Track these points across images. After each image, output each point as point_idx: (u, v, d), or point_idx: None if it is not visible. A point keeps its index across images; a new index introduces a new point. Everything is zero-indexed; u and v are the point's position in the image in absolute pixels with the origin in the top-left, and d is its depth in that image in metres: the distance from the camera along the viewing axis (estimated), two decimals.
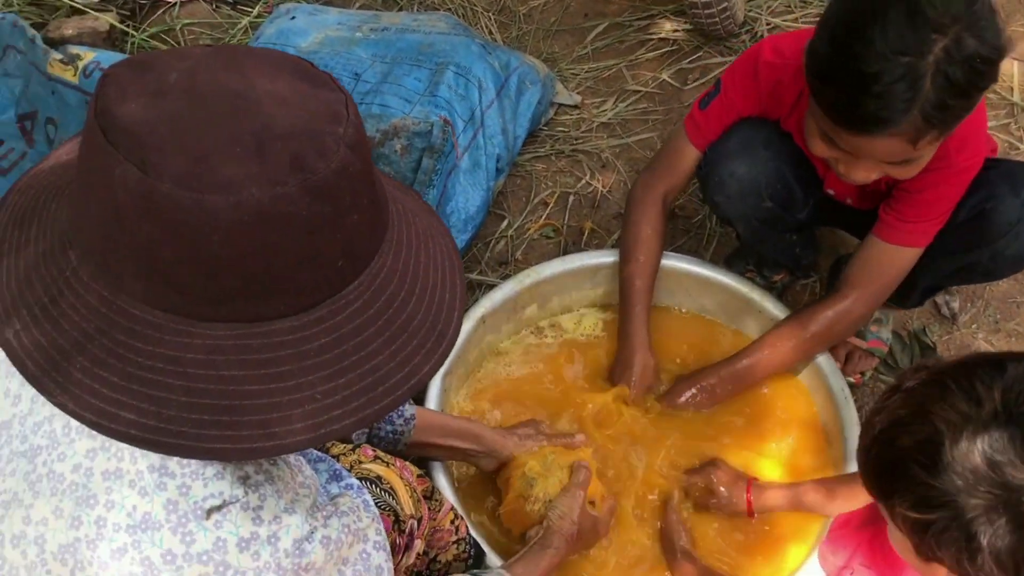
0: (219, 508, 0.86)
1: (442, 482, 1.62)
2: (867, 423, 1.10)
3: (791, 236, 1.90)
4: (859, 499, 1.56)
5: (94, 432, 0.87)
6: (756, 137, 1.70)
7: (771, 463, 1.84)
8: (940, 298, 2.16)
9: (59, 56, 2.35)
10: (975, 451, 0.96)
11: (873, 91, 1.35)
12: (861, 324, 1.88)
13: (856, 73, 1.35)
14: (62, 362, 0.81)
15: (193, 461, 0.87)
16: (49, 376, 0.81)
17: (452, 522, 1.40)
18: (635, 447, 1.83)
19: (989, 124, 2.45)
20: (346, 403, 0.83)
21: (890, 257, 1.69)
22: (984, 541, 0.96)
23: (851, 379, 1.95)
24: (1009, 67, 2.58)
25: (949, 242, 1.67)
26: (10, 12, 2.57)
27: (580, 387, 1.94)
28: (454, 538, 1.42)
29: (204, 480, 0.86)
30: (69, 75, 2.34)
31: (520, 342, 2.01)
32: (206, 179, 0.75)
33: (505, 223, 2.33)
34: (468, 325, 1.90)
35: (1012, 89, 2.56)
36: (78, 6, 2.73)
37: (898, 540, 1.14)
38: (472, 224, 2.20)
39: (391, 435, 1.53)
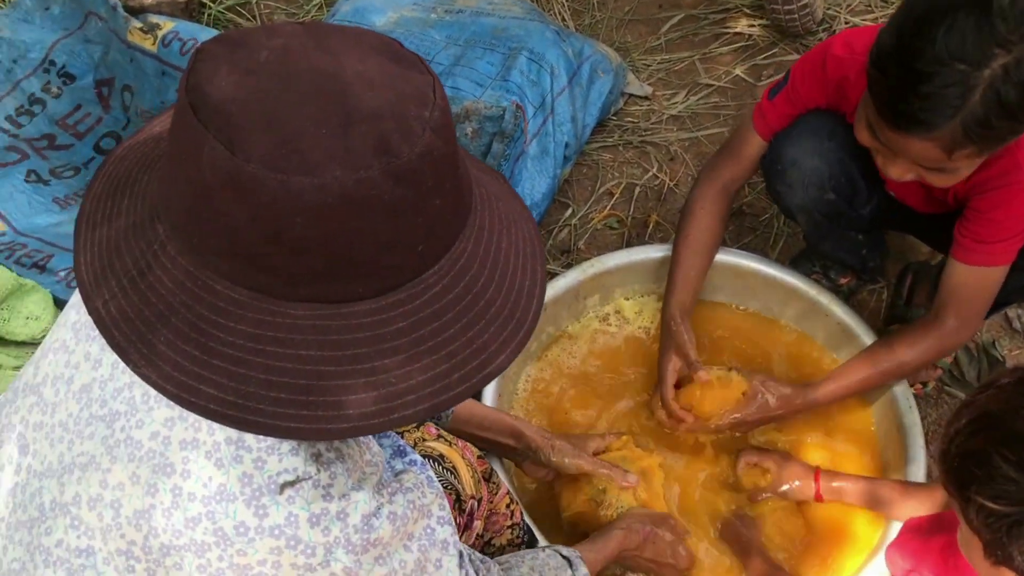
0: (292, 484, 0.87)
1: (497, 465, 1.63)
2: (955, 415, 1.12)
3: (856, 235, 1.86)
4: (932, 503, 1.55)
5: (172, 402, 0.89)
6: (821, 128, 1.68)
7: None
8: (1012, 311, 2.11)
9: (139, 24, 2.39)
10: None
11: (921, 91, 1.32)
12: (962, 345, 1.84)
13: (910, 69, 1.33)
14: (147, 334, 0.82)
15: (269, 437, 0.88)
16: (134, 347, 0.82)
17: (508, 506, 1.41)
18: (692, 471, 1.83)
19: None
20: (420, 388, 0.83)
21: (977, 279, 1.65)
22: None
23: (912, 389, 1.92)
24: None
25: (1018, 257, 1.63)
26: None
27: (638, 384, 1.93)
28: (509, 523, 1.43)
29: (279, 455, 0.88)
30: (148, 44, 2.38)
31: (586, 327, 2.01)
32: (292, 160, 0.75)
33: (569, 211, 2.33)
34: None
35: None
36: None
37: (967, 541, 1.14)
38: (536, 211, 2.20)
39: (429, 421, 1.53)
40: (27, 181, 2.28)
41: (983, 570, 1.14)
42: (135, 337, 0.82)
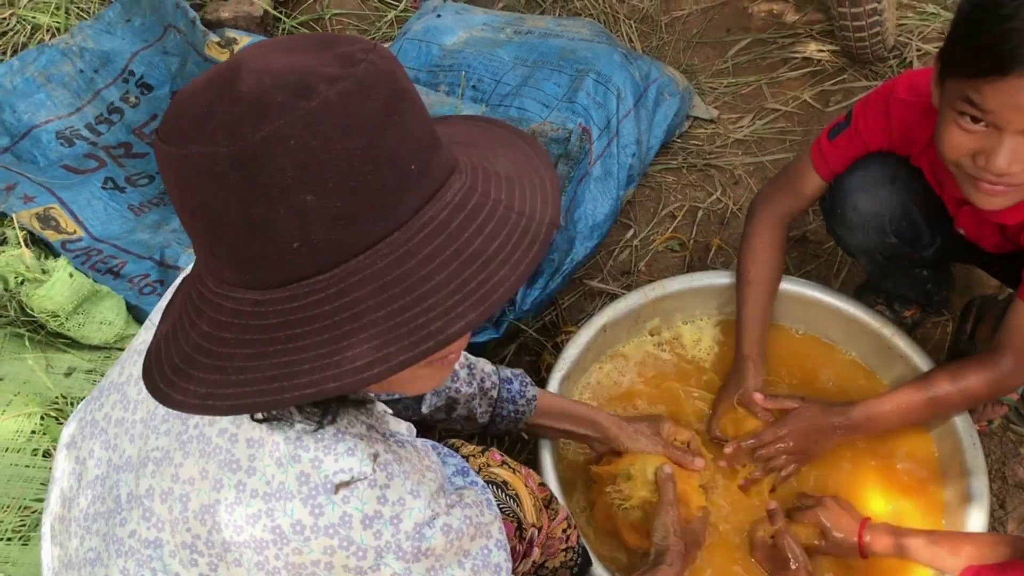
0: (347, 484, 0.89)
1: (547, 461, 1.66)
2: None
3: (920, 271, 1.84)
4: (994, 553, 1.51)
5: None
6: (883, 172, 1.67)
7: (881, 505, 1.79)
8: None
9: (216, 39, 2.46)
10: None
11: (1019, 18, 1.28)
12: (1017, 388, 1.80)
13: (997, 10, 1.29)
14: (163, 356, 0.92)
15: (327, 436, 0.91)
16: (159, 381, 0.92)
17: (564, 531, 1.42)
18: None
19: None
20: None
21: None
22: None
23: (976, 427, 1.88)
24: None
25: None
26: None
27: (692, 407, 1.93)
28: (564, 546, 1.44)
29: (336, 455, 0.90)
30: (224, 57, 2.44)
31: (640, 348, 2.01)
32: (172, 135, 0.84)
33: (631, 233, 2.33)
34: (590, 333, 1.91)
35: None
36: None
37: None
38: (598, 232, 2.21)
39: (513, 414, 1.59)
40: (104, 188, 2.36)
41: None
42: (162, 376, 0.92)
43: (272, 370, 0.84)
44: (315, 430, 0.92)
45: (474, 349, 1.95)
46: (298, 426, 0.92)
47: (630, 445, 1.68)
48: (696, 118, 2.53)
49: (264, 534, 0.90)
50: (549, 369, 1.89)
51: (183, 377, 0.89)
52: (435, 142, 0.90)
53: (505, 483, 1.22)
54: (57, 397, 1.78)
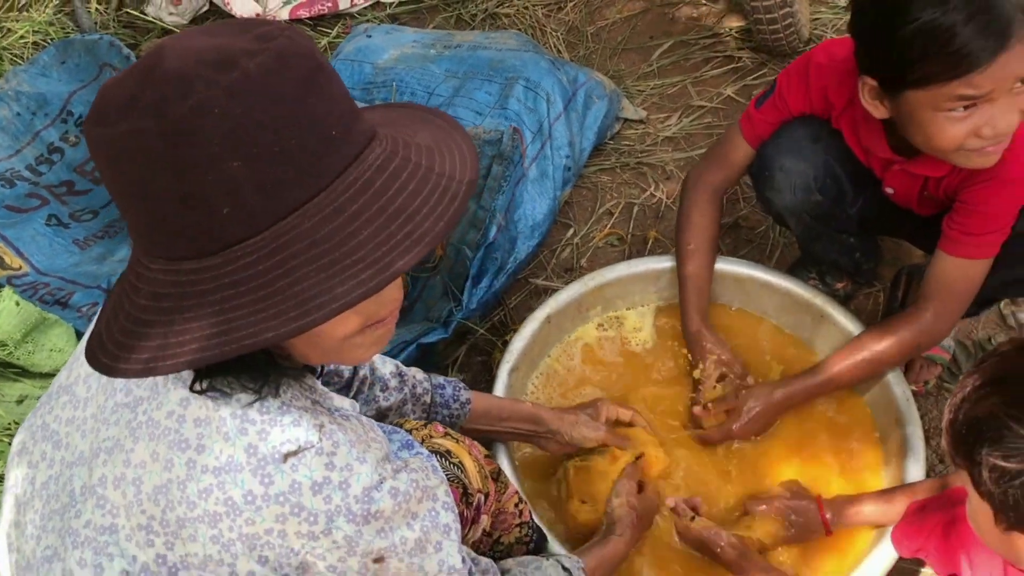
0: (295, 453, 0.93)
1: (505, 464, 1.68)
2: (959, 387, 1.15)
3: (847, 237, 1.92)
4: (930, 493, 1.57)
5: (188, 382, 0.96)
6: (806, 133, 1.75)
7: (829, 476, 1.85)
8: (1006, 309, 2.15)
9: None
10: None
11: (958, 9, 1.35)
12: (941, 339, 1.88)
13: (944, 14, 1.37)
14: (105, 335, 0.96)
15: (272, 409, 0.94)
16: (103, 358, 0.94)
17: (516, 505, 1.45)
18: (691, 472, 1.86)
19: None
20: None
21: (961, 270, 1.70)
22: None
23: (913, 387, 1.96)
24: None
25: (1003, 253, 1.68)
26: (107, 34, 2.74)
27: (641, 390, 1.98)
28: (517, 521, 1.47)
29: (282, 427, 0.94)
30: None
31: (585, 336, 2.06)
32: (94, 115, 0.89)
33: (571, 232, 2.40)
34: (533, 325, 1.96)
35: None
36: (168, 27, 2.89)
37: (976, 513, 1.17)
38: (539, 231, 2.27)
39: (447, 419, 1.60)
40: (48, 224, 2.38)
41: (992, 540, 1.17)
42: (104, 348, 0.96)
43: (212, 328, 0.88)
44: (257, 400, 0.95)
45: (425, 350, 1.98)
46: (243, 400, 0.95)
47: (573, 434, 1.72)
48: (626, 120, 2.61)
49: (217, 507, 0.93)
50: None
51: (126, 349, 0.92)
52: (355, 111, 0.95)
53: (448, 452, 1.25)
54: (10, 424, 1.79)
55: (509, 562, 1.33)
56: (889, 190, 1.79)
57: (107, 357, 0.93)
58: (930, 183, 1.70)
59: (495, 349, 2.14)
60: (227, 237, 0.88)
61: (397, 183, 0.93)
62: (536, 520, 1.55)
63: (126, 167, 0.88)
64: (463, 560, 1.09)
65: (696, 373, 1.91)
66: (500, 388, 1.86)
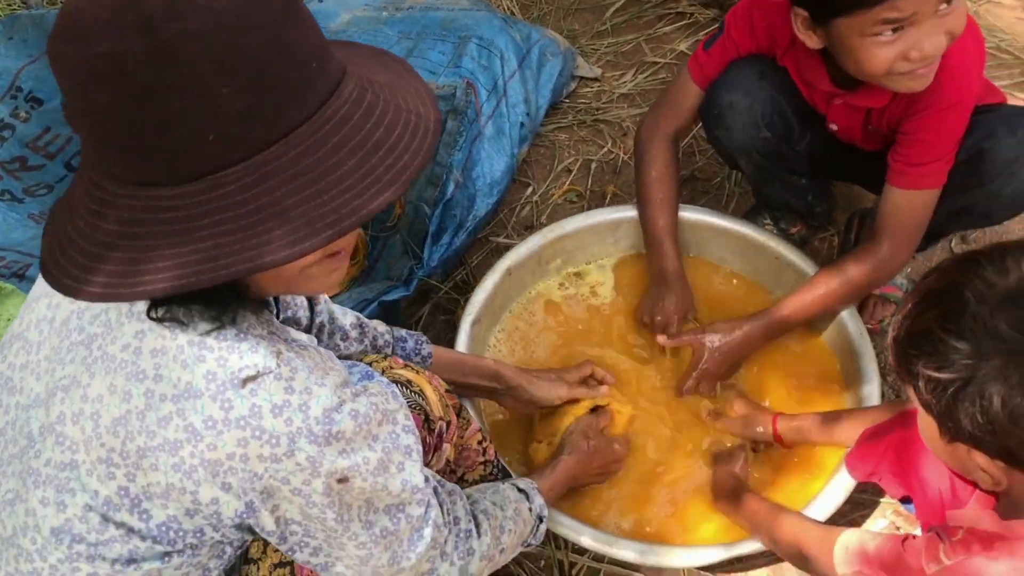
0: (254, 378, 0.94)
1: (469, 405, 1.70)
2: (902, 304, 1.18)
3: (799, 179, 1.95)
4: (883, 417, 1.60)
5: (141, 315, 0.96)
6: (752, 70, 1.78)
7: (789, 405, 1.88)
8: (957, 247, 2.20)
9: None
10: (996, 314, 1.03)
11: None
12: (897, 273, 1.91)
13: None
14: (61, 260, 0.93)
15: (229, 337, 0.95)
16: (64, 280, 0.92)
17: (480, 443, 1.47)
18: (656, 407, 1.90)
19: (1003, 83, 2.49)
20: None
21: (910, 202, 1.73)
22: (997, 399, 1.02)
23: (869, 325, 1.99)
24: None
25: (947, 184, 1.71)
26: (55, 8, 2.71)
27: (604, 339, 2.00)
28: (481, 459, 1.49)
29: (240, 353, 0.95)
30: None
31: (546, 290, 2.08)
32: (71, 34, 0.85)
33: (530, 190, 2.41)
34: (494, 277, 1.98)
35: None
36: None
37: (926, 428, 1.20)
38: (497, 189, 2.28)
39: None
40: (1, 200, 2.35)
41: (940, 451, 1.20)
42: (58, 265, 0.94)
43: (196, 254, 0.87)
44: (215, 329, 0.96)
45: (387, 308, 1.99)
46: (201, 329, 0.96)
47: (534, 392, 1.73)
48: (582, 78, 2.63)
49: (177, 434, 0.94)
50: None
51: (91, 271, 0.91)
52: (328, 46, 0.96)
53: (409, 381, 1.27)
54: None
55: (469, 490, 1.36)
56: (833, 126, 1.82)
57: (70, 279, 0.92)
58: (873, 115, 1.73)
59: (458, 308, 2.15)
60: (210, 163, 0.88)
61: (373, 118, 0.94)
62: (500, 460, 1.57)
63: (104, 88, 0.85)
64: (426, 479, 1.11)
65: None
66: (462, 340, 1.87)
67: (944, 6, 1.45)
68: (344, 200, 0.89)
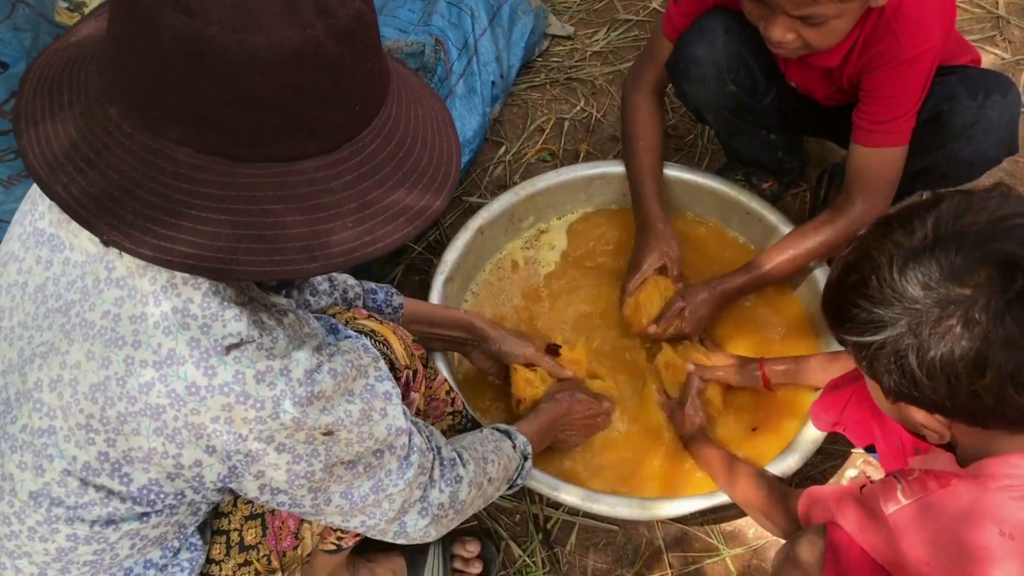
0: (237, 346, 0.94)
1: (439, 362, 1.70)
2: (830, 272, 1.18)
3: (768, 134, 1.95)
4: (848, 367, 1.62)
5: (121, 282, 0.95)
6: (718, 24, 1.78)
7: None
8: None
9: (65, 4, 2.44)
10: (903, 273, 1.03)
11: None
12: None
13: None
14: (114, 207, 0.88)
15: (213, 304, 0.95)
16: (103, 220, 0.88)
17: (448, 393, 1.48)
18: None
19: (973, 37, 2.49)
20: (373, 231, 0.92)
21: (877, 160, 1.73)
22: (912, 356, 1.02)
23: None
24: None
25: (911, 143, 1.71)
26: None
27: (575, 299, 2.01)
28: (449, 409, 1.49)
29: (223, 321, 0.95)
30: (76, 21, 2.42)
31: (519, 248, 2.08)
32: (247, 21, 0.83)
33: (503, 149, 2.40)
34: (467, 235, 1.97)
35: (997, 3, 2.59)
36: None
37: (872, 387, 1.21)
38: (470, 147, 2.27)
39: None
40: None
41: (888, 409, 1.21)
42: (101, 211, 0.88)
43: (357, 229, 0.92)
44: (200, 296, 0.95)
45: (359, 267, 1.99)
46: (184, 296, 0.95)
47: (502, 345, 1.74)
48: (554, 36, 2.61)
49: (160, 399, 0.94)
50: None
51: (167, 233, 0.88)
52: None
53: (373, 331, 1.27)
54: None
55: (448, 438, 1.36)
56: (792, 83, 1.82)
57: (138, 229, 0.88)
58: (834, 74, 1.73)
59: (432, 268, 2.15)
60: (351, 131, 0.94)
61: (411, 132, 1.00)
62: (469, 409, 1.57)
63: (281, 74, 0.85)
64: (408, 419, 1.13)
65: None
66: (435, 299, 1.87)
67: (798, 21, 1.54)
68: (433, 174, 0.99)
